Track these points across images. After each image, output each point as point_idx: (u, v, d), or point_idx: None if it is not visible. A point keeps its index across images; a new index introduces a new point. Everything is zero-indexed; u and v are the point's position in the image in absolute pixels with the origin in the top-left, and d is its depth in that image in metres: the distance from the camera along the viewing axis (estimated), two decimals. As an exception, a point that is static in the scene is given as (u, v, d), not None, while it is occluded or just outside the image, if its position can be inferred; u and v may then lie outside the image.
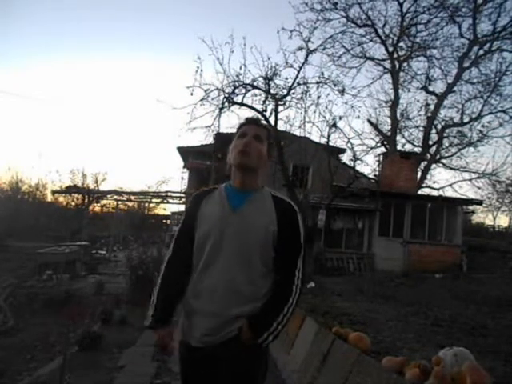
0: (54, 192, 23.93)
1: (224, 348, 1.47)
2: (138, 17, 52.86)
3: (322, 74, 11.18)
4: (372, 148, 17.16)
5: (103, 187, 24.85)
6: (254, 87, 10.32)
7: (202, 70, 9.86)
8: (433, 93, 17.89)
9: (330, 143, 11.20)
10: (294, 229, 1.56)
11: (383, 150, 17.03)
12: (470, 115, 17.14)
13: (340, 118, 11.11)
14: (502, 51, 16.57)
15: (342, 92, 11.12)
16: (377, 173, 14.51)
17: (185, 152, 19.96)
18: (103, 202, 25.36)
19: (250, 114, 10.40)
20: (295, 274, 1.54)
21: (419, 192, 16.02)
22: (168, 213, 30.76)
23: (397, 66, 17.64)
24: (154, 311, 1.57)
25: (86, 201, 23.01)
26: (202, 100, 10.02)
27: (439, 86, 26.97)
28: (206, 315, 1.49)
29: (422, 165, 17.20)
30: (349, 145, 11.88)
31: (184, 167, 21.45)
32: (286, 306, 1.51)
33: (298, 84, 10.64)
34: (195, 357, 1.52)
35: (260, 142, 1.58)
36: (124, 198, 23.68)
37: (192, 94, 9.96)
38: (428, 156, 17.51)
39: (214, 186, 1.69)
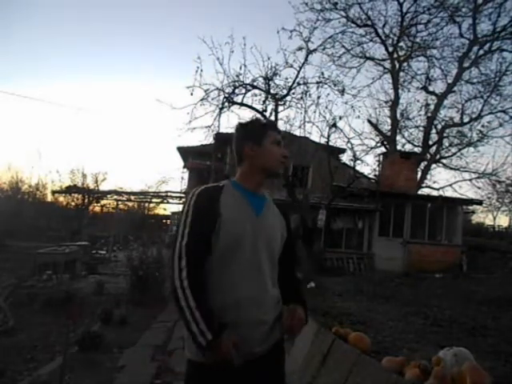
0: (53, 192, 23.91)
1: (269, 355, 1.47)
2: (137, 16, 52.85)
3: (322, 73, 11.19)
4: (372, 148, 17.18)
5: (103, 187, 24.86)
6: (254, 87, 10.33)
7: (202, 70, 9.88)
8: (433, 93, 17.90)
9: (330, 143, 11.20)
10: (294, 238, 1.75)
11: (383, 150, 17.05)
12: (470, 115, 17.16)
13: (340, 118, 11.13)
14: (502, 51, 16.60)
15: (342, 92, 11.13)
16: (377, 173, 14.51)
17: (185, 152, 19.94)
18: (103, 202, 25.34)
19: (250, 114, 10.43)
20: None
21: (419, 192, 16.02)
22: (168, 213, 30.77)
23: (397, 66, 17.64)
24: (205, 324, 1.29)
25: (86, 201, 23.00)
26: (202, 100, 10.03)
27: (439, 86, 27.06)
28: (253, 325, 1.41)
29: (422, 165, 17.20)
30: (349, 145, 11.89)
31: (184, 167, 21.44)
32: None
33: (298, 84, 10.66)
34: (230, 375, 1.35)
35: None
36: (124, 198, 23.65)
37: (192, 94, 9.98)
38: (428, 156, 17.51)
39: (217, 184, 1.56)
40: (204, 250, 1.39)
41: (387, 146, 16.98)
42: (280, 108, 10.47)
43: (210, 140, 10.77)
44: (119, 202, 23.88)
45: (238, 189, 1.52)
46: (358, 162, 12.32)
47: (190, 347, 1.40)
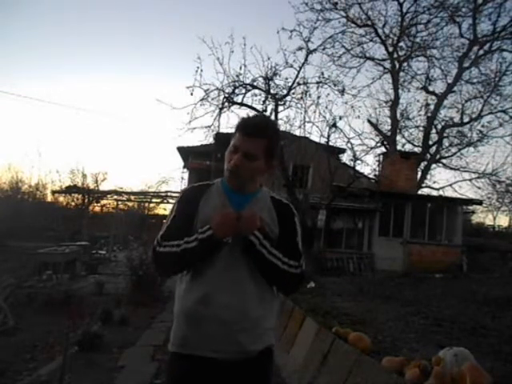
0: (53, 192, 23.92)
1: (256, 360, 1.38)
2: (137, 16, 52.83)
3: (322, 73, 11.21)
4: (372, 148, 17.14)
5: (103, 187, 24.83)
6: (254, 87, 10.34)
7: (201, 70, 9.90)
8: (433, 93, 17.89)
9: (330, 143, 11.23)
10: (295, 231, 1.51)
11: (383, 150, 17.04)
12: (470, 115, 17.15)
13: (340, 118, 11.17)
14: (502, 51, 16.58)
15: (342, 92, 11.15)
16: (377, 173, 14.51)
17: (185, 152, 19.94)
18: (103, 201, 25.34)
19: (250, 114, 10.41)
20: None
21: (419, 192, 16.02)
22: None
23: (397, 66, 17.62)
24: (193, 235, 1.38)
25: (86, 201, 22.99)
26: (202, 100, 10.05)
27: (439, 86, 26.90)
28: (231, 319, 1.35)
29: (422, 165, 17.20)
30: (349, 145, 11.91)
31: (184, 167, 21.45)
32: (286, 266, 1.40)
33: (298, 84, 10.68)
34: (211, 374, 1.36)
35: (252, 159, 1.40)
36: (124, 198, 23.67)
37: (192, 94, 9.99)
38: (428, 156, 17.50)
39: (207, 182, 1.56)
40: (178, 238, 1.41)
41: (387, 146, 16.97)
42: (280, 108, 10.49)
43: (210, 140, 10.78)
44: (119, 202, 23.90)
45: (223, 187, 1.51)
46: (358, 162, 12.37)
47: (170, 339, 1.45)
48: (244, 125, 1.44)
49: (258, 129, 1.43)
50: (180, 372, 1.39)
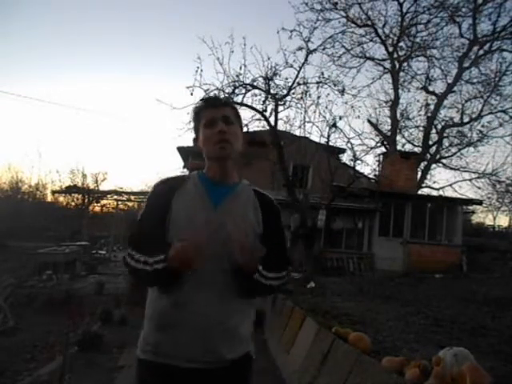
0: (54, 192, 23.97)
1: (232, 367, 1.29)
2: (137, 16, 52.84)
3: (322, 73, 11.17)
4: (372, 148, 17.12)
5: (103, 187, 24.89)
6: (254, 87, 10.32)
7: (201, 70, 9.90)
8: (433, 93, 17.89)
9: (330, 143, 11.20)
10: (280, 231, 1.46)
11: (383, 150, 17.04)
12: (470, 115, 17.15)
13: (340, 117, 11.14)
14: (502, 51, 16.57)
15: (342, 92, 11.13)
16: (377, 173, 14.50)
17: (185, 152, 19.94)
18: (103, 201, 25.38)
19: (250, 114, 10.42)
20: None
21: (419, 192, 16.02)
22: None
23: (397, 66, 17.62)
24: (153, 255, 1.24)
25: (86, 201, 23.01)
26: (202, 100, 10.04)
27: (439, 86, 26.97)
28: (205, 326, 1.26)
29: (422, 165, 17.20)
30: (349, 145, 11.87)
31: (184, 167, 21.45)
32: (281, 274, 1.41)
33: (298, 84, 10.65)
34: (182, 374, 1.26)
35: (231, 123, 1.38)
36: (124, 198, 23.68)
37: (192, 94, 9.99)
38: (428, 156, 17.51)
39: (182, 175, 1.47)
40: (146, 243, 1.31)
41: (387, 146, 16.96)
42: (280, 108, 10.45)
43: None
44: (119, 202, 23.90)
45: (201, 179, 1.41)
46: (358, 162, 12.33)
47: (139, 345, 1.39)
48: (206, 102, 1.48)
49: (219, 100, 1.53)
50: (152, 382, 1.29)
